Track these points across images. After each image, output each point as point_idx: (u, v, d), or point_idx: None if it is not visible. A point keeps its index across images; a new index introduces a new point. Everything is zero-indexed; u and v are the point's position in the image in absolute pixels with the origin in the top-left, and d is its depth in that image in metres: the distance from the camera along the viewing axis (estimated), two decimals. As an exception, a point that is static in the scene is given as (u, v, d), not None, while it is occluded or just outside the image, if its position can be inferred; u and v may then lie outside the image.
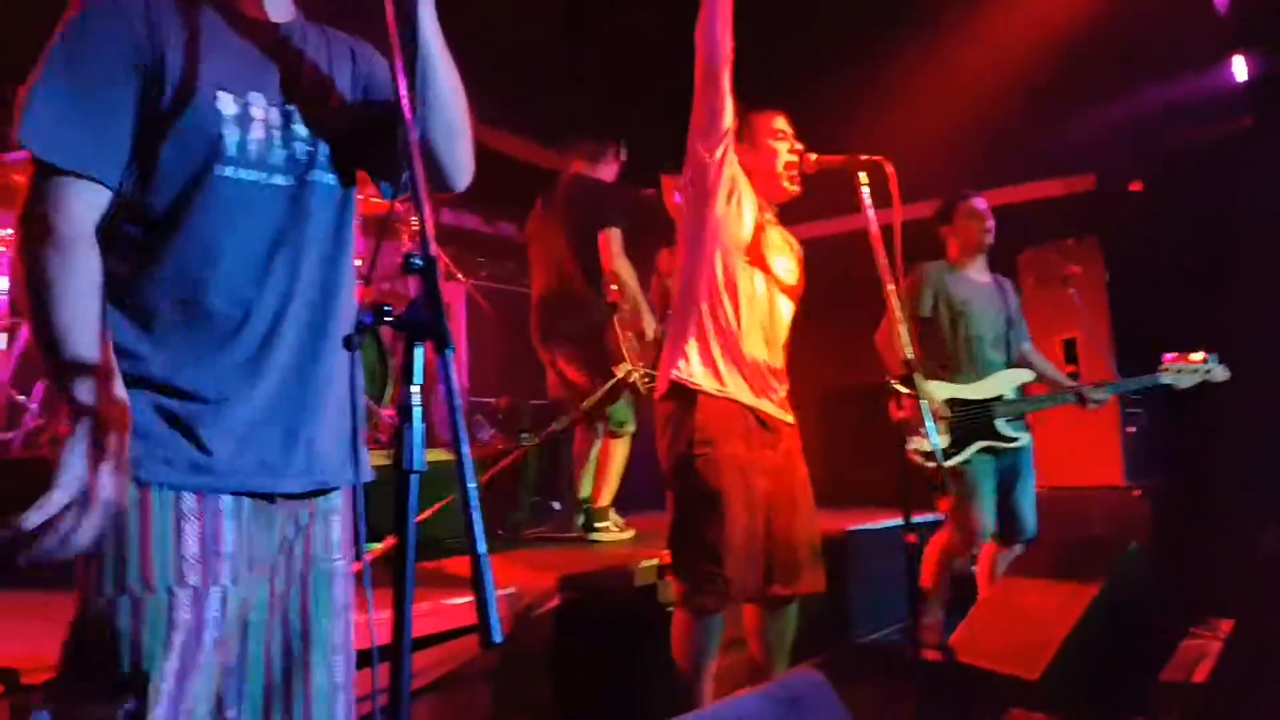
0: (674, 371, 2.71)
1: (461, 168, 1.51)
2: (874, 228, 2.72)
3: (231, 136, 1.30)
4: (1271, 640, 3.70)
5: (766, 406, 2.75)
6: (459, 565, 3.09)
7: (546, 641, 2.79)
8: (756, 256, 2.76)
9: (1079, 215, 5.77)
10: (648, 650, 2.98)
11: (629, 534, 4.16)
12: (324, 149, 1.40)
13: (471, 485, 1.12)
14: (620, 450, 4.21)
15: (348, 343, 1.38)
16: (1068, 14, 4.45)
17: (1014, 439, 3.79)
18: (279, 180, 1.35)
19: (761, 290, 2.76)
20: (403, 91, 1.21)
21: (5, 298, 4.07)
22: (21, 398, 3.99)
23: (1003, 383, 3.86)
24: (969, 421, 3.78)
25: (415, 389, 1.16)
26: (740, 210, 2.77)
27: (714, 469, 2.61)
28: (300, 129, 1.38)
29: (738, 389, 2.69)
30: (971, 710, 3.22)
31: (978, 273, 4.05)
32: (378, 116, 1.47)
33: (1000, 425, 3.80)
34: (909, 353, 2.62)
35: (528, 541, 4.17)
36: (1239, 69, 5.23)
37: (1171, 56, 5.06)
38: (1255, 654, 3.87)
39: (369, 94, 1.49)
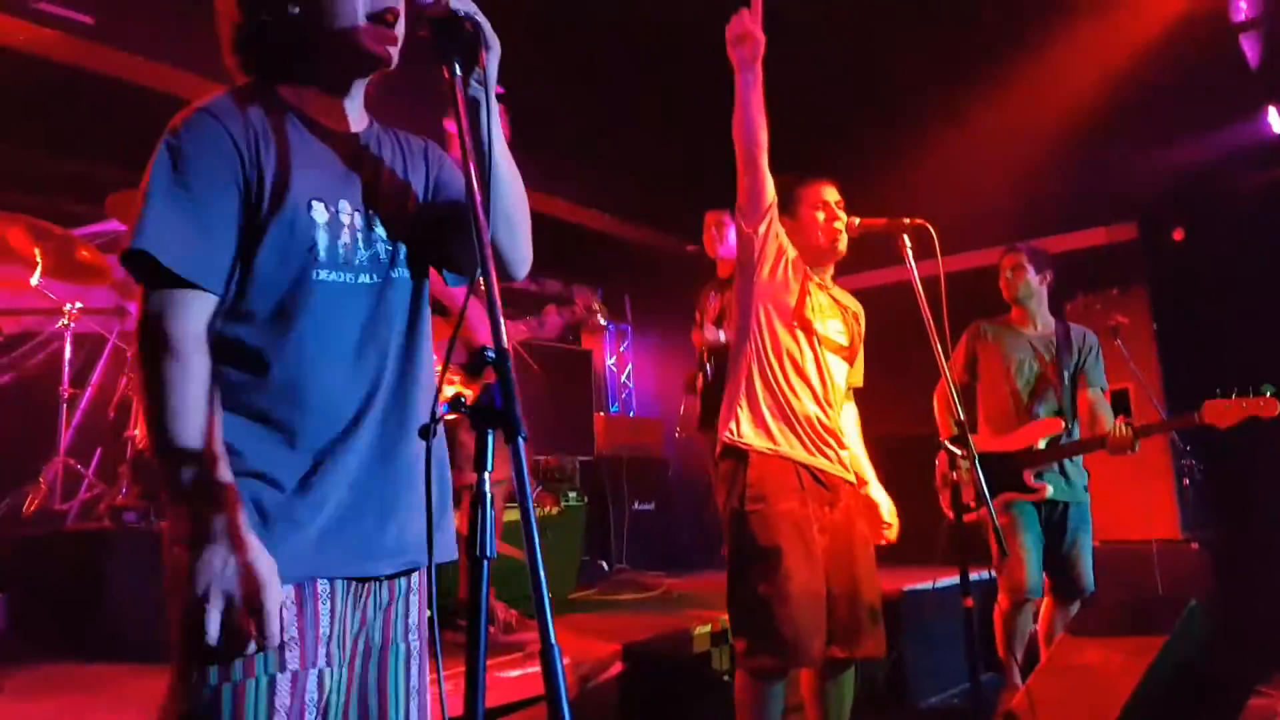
0: (726, 434, 2.76)
1: (522, 259, 1.61)
2: (919, 290, 2.75)
3: (324, 242, 1.38)
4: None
5: (822, 464, 2.76)
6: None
7: (606, 711, 2.78)
8: (803, 321, 2.81)
9: (1124, 264, 5.74)
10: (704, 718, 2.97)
11: None
12: (402, 248, 1.49)
13: (542, 578, 1.15)
14: None
15: (423, 432, 1.44)
16: (1108, 67, 4.49)
17: (1037, 489, 3.74)
18: (365, 279, 1.43)
19: (810, 352, 2.80)
20: (477, 199, 1.27)
21: (68, 368, 4.18)
22: (80, 467, 4.09)
23: (1035, 434, 3.83)
24: (994, 475, 3.65)
25: (487, 476, 1.19)
26: (786, 277, 2.83)
27: (767, 524, 2.62)
28: (381, 230, 1.46)
29: (790, 447, 2.72)
30: None
31: (1025, 323, 4.04)
32: (446, 214, 1.56)
33: (1030, 476, 3.75)
34: (960, 413, 2.62)
35: (577, 605, 4.17)
36: (1274, 120, 5.22)
37: (1210, 107, 5.07)
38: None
39: (438, 192, 1.59)
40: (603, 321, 3.94)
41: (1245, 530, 5.20)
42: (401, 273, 1.48)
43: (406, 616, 1.47)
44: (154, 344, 1.26)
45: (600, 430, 5.47)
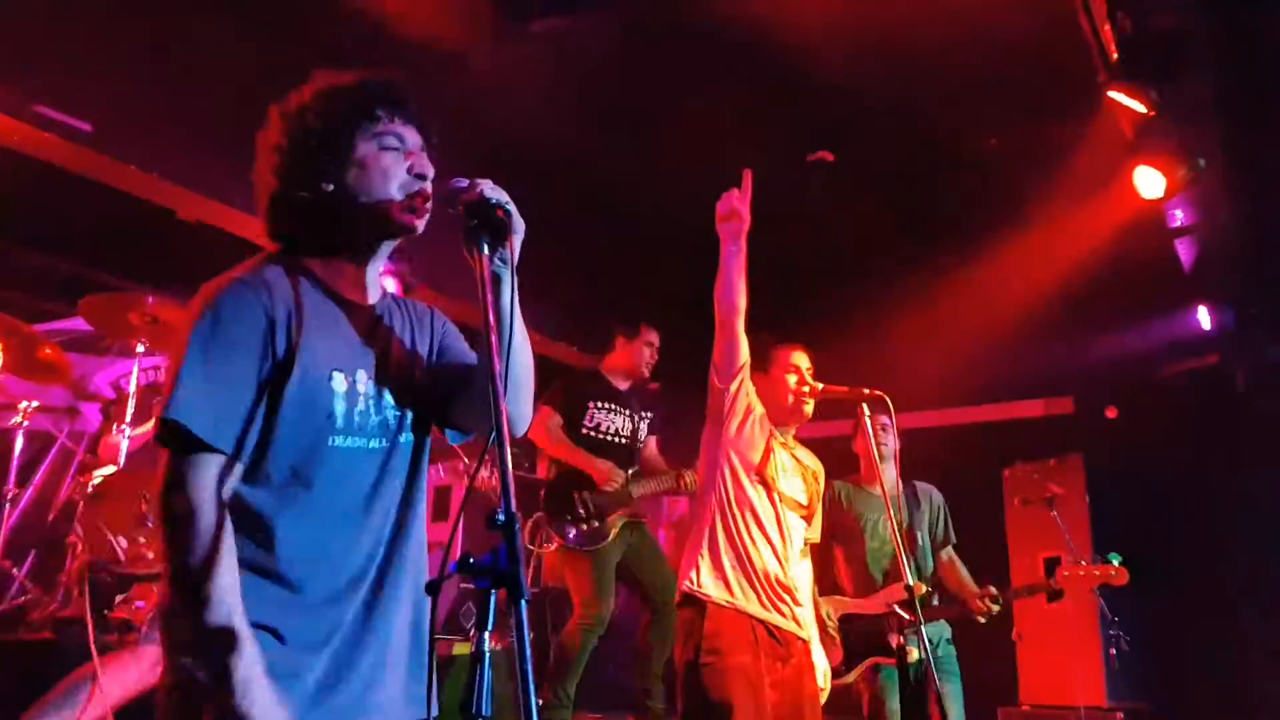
0: (686, 583, 2.83)
1: (525, 417, 1.70)
2: (875, 459, 2.93)
3: (341, 410, 1.48)
4: None
5: (776, 620, 2.84)
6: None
7: None
8: (764, 478, 2.94)
9: (1060, 436, 6.03)
10: None
11: None
12: (409, 413, 1.59)
13: None
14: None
15: (430, 589, 1.51)
16: (1057, 262, 4.91)
17: (904, 652, 3.79)
18: (374, 444, 1.52)
19: (771, 509, 2.92)
20: (497, 369, 1.37)
21: (15, 467, 4.08)
22: (13, 570, 3.95)
23: (895, 596, 3.77)
24: (859, 637, 3.81)
25: (488, 635, 1.26)
26: (753, 433, 2.97)
27: (721, 679, 2.67)
28: (390, 398, 1.56)
29: (747, 601, 2.80)
30: None
31: (874, 482, 3.99)
32: (450, 377, 1.67)
33: (896, 639, 3.79)
34: (909, 577, 2.74)
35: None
36: (1203, 316, 5.67)
37: (1145, 301, 5.50)
38: None
39: (442, 356, 1.70)
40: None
41: (1167, 701, 5.32)
42: (407, 436, 1.58)
43: None
44: (181, 504, 1.34)
45: (548, 563, 5.45)
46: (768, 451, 2.97)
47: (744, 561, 2.83)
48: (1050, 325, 5.45)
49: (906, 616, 3.64)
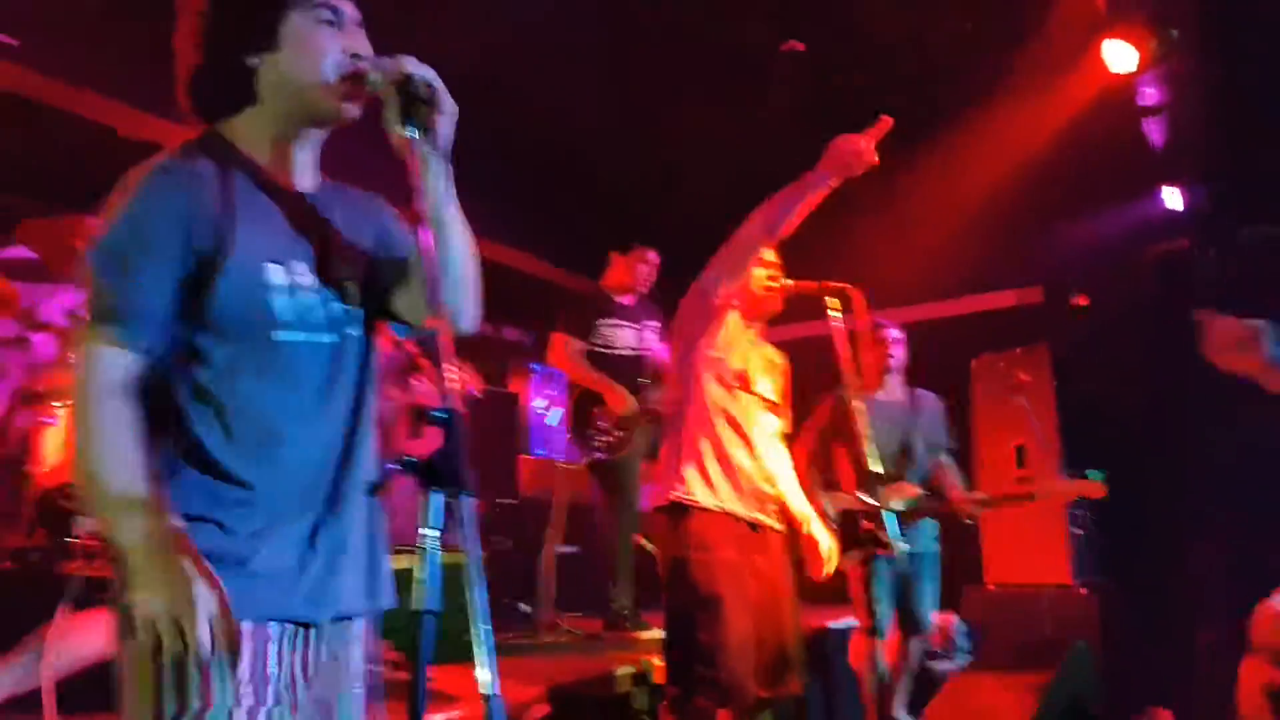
0: (674, 492, 2.85)
1: (471, 316, 1.61)
2: (842, 349, 2.93)
3: (281, 303, 1.42)
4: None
5: (759, 516, 2.91)
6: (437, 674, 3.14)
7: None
8: (743, 382, 2.94)
9: (1029, 326, 6.04)
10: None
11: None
12: (355, 304, 1.52)
13: (487, 628, 1.23)
14: None
15: (373, 489, 1.50)
16: (1023, 145, 4.83)
17: (896, 544, 3.90)
18: (323, 338, 1.47)
19: (749, 411, 2.94)
20: (432, 259, 1.35)
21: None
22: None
23: (892, 495, 4.04)
24: (853, 530, 3.99)
25: (433, 533, 1.26)
26: (731, 341, 2.96)
27: (710, 573, 2.73)
28: (335, 290, 1.49)
29: (733, 503, 2.85)
30: None
31: (885, 393, 4.30)
32: (395, 269, 1.59)
33: (885, 534, 3.90)
34: (871, 466, 2.79)
35: (499, 648, 4.16)
36: (1173, 198, 5.64)
37: (1115, 184, 5.45)
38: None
39: (386, 248, 1.61)
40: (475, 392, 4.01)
41: (1129, 577, 5.49)
42: (356, 330, 1.52)
43: (353, 664, 1.51)
44: (81, 394, 1.34)
45: (526, 473, 5.50)
46: (744, 355, 2.98)
47: (728, 466, 2.87)
48: (1019, 213, 5.39)
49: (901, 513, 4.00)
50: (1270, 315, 5.15)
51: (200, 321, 1.37)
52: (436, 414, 1.31)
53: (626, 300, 4.67)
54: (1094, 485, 4.05)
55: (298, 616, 1.40)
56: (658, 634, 4.18)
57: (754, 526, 2.88)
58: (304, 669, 1.42)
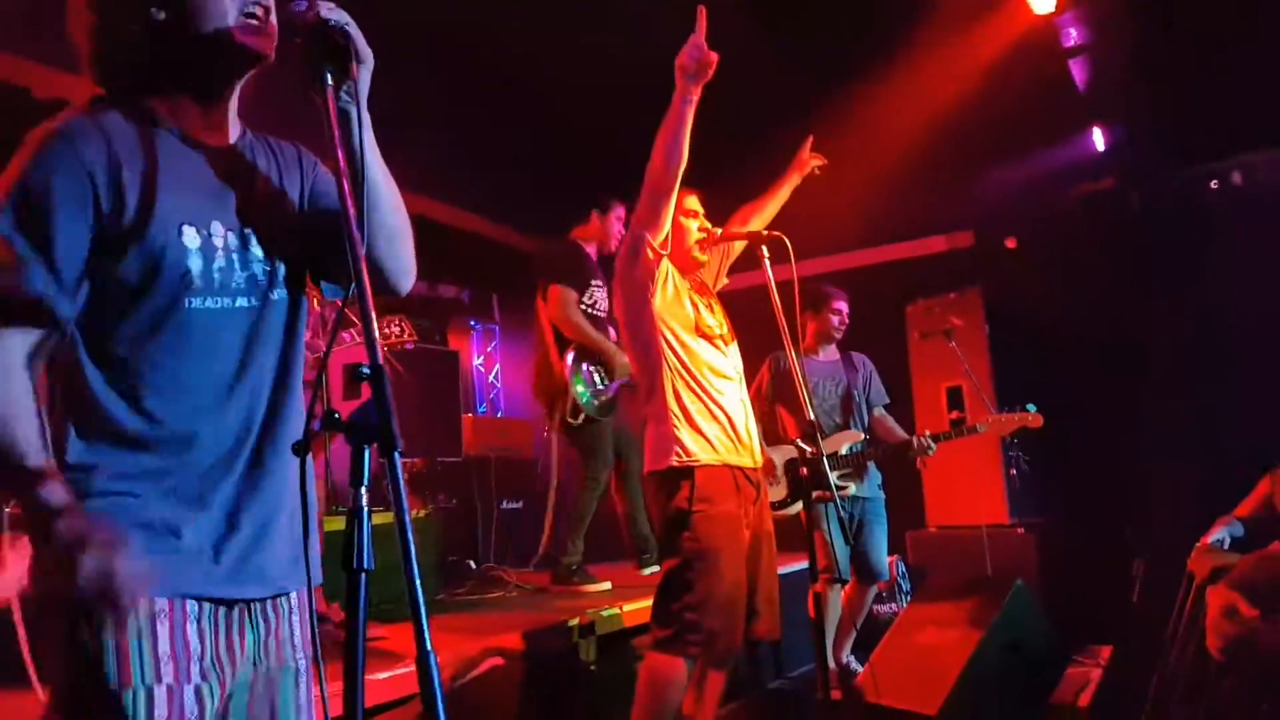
0: (673, 458, 2.85)
1: (404, 271, 1.56)
2: (775, 296, 2.95)
3: (197, 268, 1.34)
4: (1145, 663, 3.98)
5: (747, 461, 2.96)
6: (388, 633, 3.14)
7: (478, 706, 2.84)
8: (701, 330, 2.97)
9: (961, 271, 6.14)
10: (575, 713, 3.06)
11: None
12: (280, 266, 1.45)
13: (418, 585, 1.20)
14: None
15: (297, 449, 1.46)
16: (949, 88, 4.85)
17: (843, 488, 4.29)
18: (242, 303, 1.40)
19: (713, 355, 2.97)
20: (351, 213, 1.28)
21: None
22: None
23: (836, 443, 4.36)
24: (798, 478, 4.19)
25: (364, 492, 1.24)
26: (677, 293, 2.97)
27: (710, 525, 2.77)
28: (257, 250, 1.42)
29: (726, 452, 2.89)
30: None
31: (824, 355, 4.63)
32: (323, 224, 1.51)
33: (832, 478, 4.09)
34: (810, 413, 2.84)
35: (446, 604, 4.19)
36: (1098, 138, 5.74)
37: (1040, 127, 5.52)
38: (1131, 676, 4.15)
39: (314, 201, 1.54)
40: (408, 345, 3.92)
41: (1065, 517, 5.68)
42: (280, 293, 1.45)
43: (293, 638, 1.47)
44: None
45: (468, 432, 5.47)
46: (693, 304, 2.99)
47: (715, 415, 2.89)
48: (947, 158, 5.45)
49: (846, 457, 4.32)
50: (1188, 253, 5.32)
51: (110, 288, 1.31)
52: (362, 369, 1.28)
53: (596, 261, 4.63)
54: (1033, 416, 4.26)
55: (218, 595, 1.36)
56: (606, 587, 4.26)
57: (746, 475, 2.94)
58: (231, 646, 1.38)
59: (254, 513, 1.40)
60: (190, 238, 1.35)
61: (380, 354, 1.31)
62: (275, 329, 1.45)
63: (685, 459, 2.84)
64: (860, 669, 4.30)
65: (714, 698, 3.02)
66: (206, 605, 1.35)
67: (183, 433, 1.35)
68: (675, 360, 2.91)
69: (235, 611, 1.39)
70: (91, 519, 1.23)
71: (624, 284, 2.98)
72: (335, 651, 1.27)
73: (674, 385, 2.90)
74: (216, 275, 1.37)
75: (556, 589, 4.37)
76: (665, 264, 2.96)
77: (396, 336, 2.83)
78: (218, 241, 1.38)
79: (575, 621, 3.37)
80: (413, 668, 1.19)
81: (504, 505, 5.03)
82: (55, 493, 1.24)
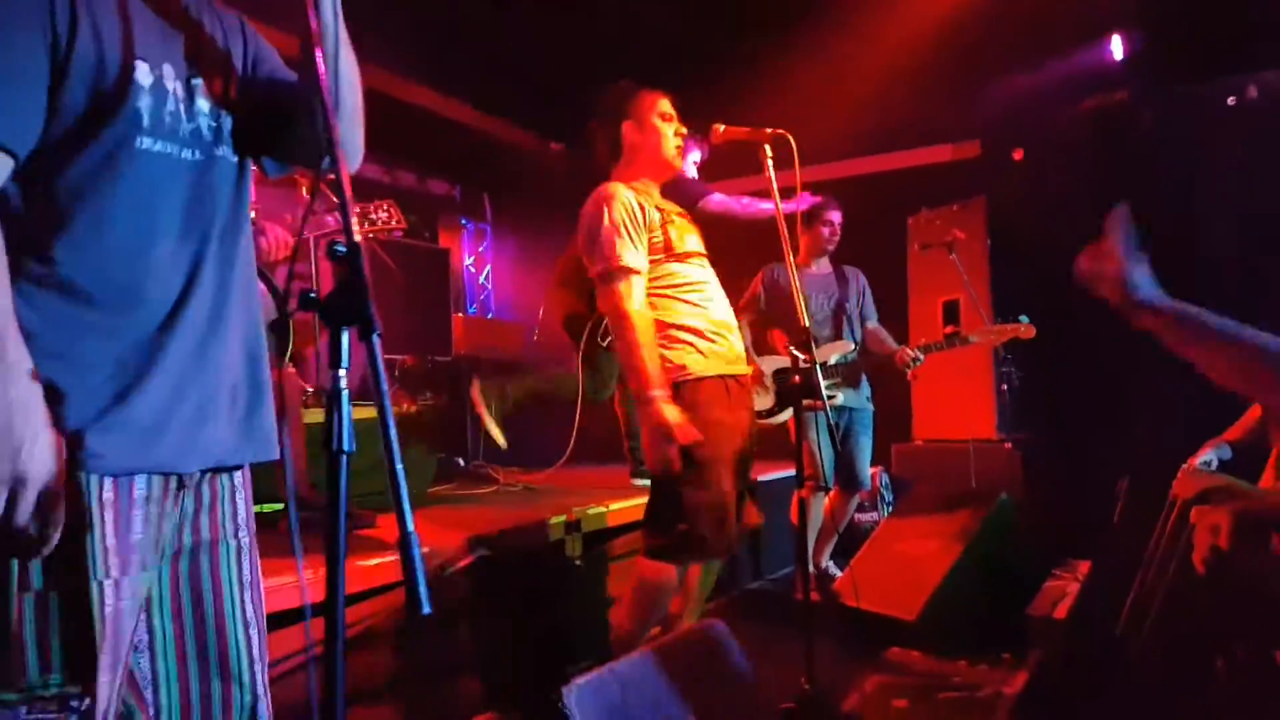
0: (677, 379, 2.79)
1: (356, 152, 1.53)
2: (777, 200, 2.87)
3: (147, 106, 1.28)
4: (1123, 579, 4.04)
5: (738, 369, 2.93)
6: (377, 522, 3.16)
7: (463, 596, 2.86)
8: (677, 254, 2.88)
9: (966, 181, 6.01)
10: (558, 604, 3.09)
11: None
12: (226, 124, 1.40)
13: (399, 468, 1.17)
14: None
15: (272, 326, 1.41)
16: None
17: (832, 397, 4.29)
18: (187, 155, 1.34)
19: (694, 273, 2.91)
20: (324, 82, 1.21)
21: None
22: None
23: (826, 353, 4.38)
24: (788, 385, 4.07)
25: (343, 373, 1.20)
26: (650, 222, 2.85)
27: (701, 431, 2.72)
28: (203, 103, 1.37)
29: (720, 363, 2.85)
30: (853, 649, 3.42)
31: (816, 268, 4.59)
32: (265, 95, 1.46)
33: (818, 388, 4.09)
34: (805, 320, 2.80)
35: (436, 500, 4.22)
36: (1115, 46, 5.55)
37: (1055, 33, 5.33)
38: (1109, 591, 4.21)
39: (256, 69, 1.49)
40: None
41: (1054, 433, 5.69)
42: (225, 152, 1.40)
43: (235, 515, 1.43)
44: None
45: (458, 331, 5.42)
46: (664, 226, 2.89)
47: (703, 332, 2.85)
48: (955, 65, 5.28)
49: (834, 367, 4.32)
50: (1197, 171, 5.19)
51: (54, 127, 1.22)
52: (338, 247, 1.23)
53: None
54: (1024, 327, 4.28)
55: (164, 467, 1.30)
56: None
57: (738, 381, 2.92)
58: (177, 525, 1.35)
59: (201, 382, 1.35)
60: (143, 74, 1.27)
61: (365, 240, 1.26)
62: (221, 188, 1.39)
63: (688, 376, 2.80)
64: (839, 574, 4.38)
65: (700, 597, 3.08)
66: (155, 479, 1.30)
67: (129, 286, 1.27)
68: (659, 289, 2.85)
69: (180, 484, 1.35)
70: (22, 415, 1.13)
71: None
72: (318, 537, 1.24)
73: (664, 313, 2.85)
74: (167, 119, 1.30)
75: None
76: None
77: (384, 222, 2.73)
78: (169, 85, 1.31)
79: (562, 518, 3.39)
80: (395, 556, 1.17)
81: (493, 406, 5.00)
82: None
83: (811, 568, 4.28)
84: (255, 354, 1.46)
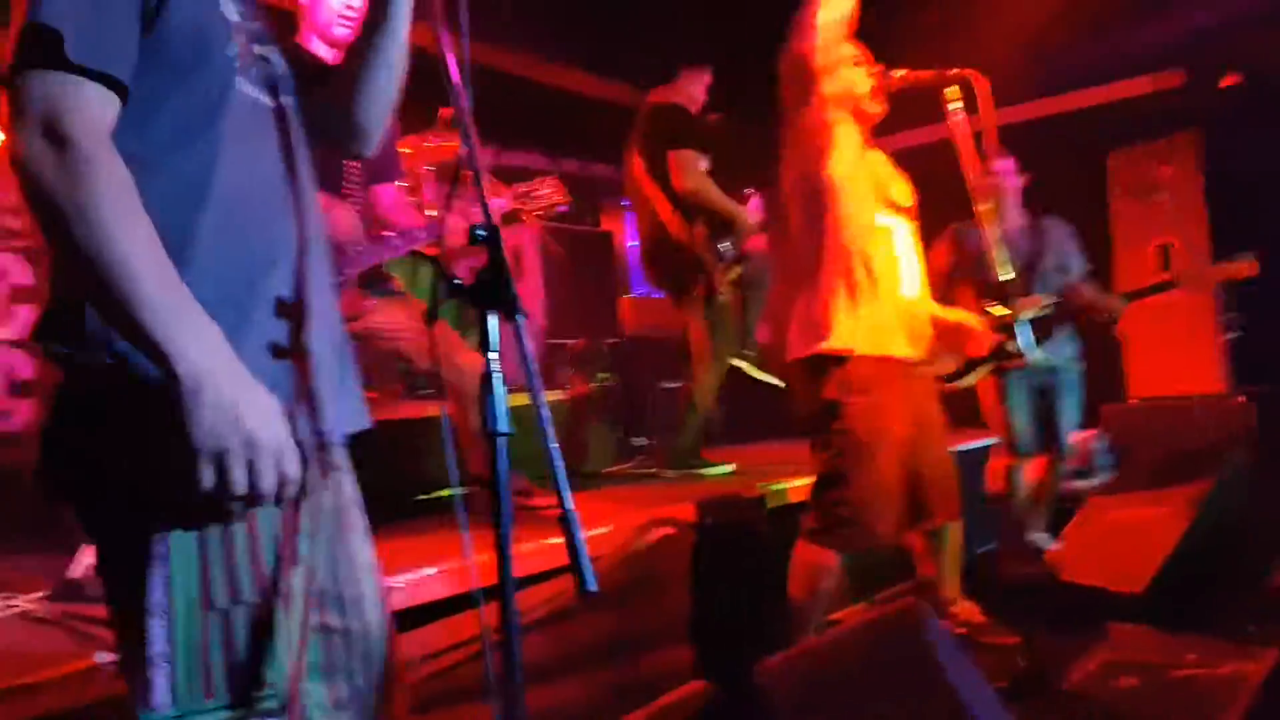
0: (822, 343, 2.66)
1: (375, 139, 1.50)
2: (967, 146, 2.66)
3: (238, 49, 1.16)
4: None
5: (911, 351, 2.75)
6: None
7: (645, 575, 2.85)
8: (887, 199, 2.72)
9: (1170, 114, 5.46)
10: (743, 581, 3.06)
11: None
12: (290, 74, 1.31)
13: (554, 446, 1.17)
14: None
15: (430, 316, 1.39)
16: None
17: (1028, 354, 3.85)
18: (265, 100, 1.22)
19: (895, 230, 2.74)
20: (454, 76, 1.21)
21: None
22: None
23: (1020, 309, 3.87)
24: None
25: (494, 356, 1.19)
26: (857, 157, 2.70)
27: (862, 419, 2.61)
28: (270, 48, 1.27)
29: (892, 345, 2.68)
30: (1070, 626, 3.20)
31: (1006, 223, 4.16)
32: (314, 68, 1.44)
33: (1010, 347, 3.76)
34: (998, 272, 2.60)
35: (614, 479, 4.24)
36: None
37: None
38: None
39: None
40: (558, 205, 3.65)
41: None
42: (291, 101, 1.29)
43: (349, 488, 1.34)
44: (71, 153, 0.98)
45: (625, 313, 5.46)
46: (870, 170, 2.73)
47: (881, 299, 2.66)
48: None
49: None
50: None
51: (158, 66, 1.08)
52: (478, 231, 1.21)
53: None
54: (1244, 264, 3.78)
55: (327, 428, 1.21)
56: (725, 470, 4.12)
57: (910, 365, 2.75)
58: (322, 485, 1.25)
59: (331, 348, 1.26)
60: (229, 9, 1.17)
61: (533, 223, 1.25)
62: (297, 135, 1.28)
63: (835, 346, 2.64)
64: (1049, 547, 4.12)
65: (952, 560, 3.06)
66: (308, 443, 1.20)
67: (254, 246, 1.16)
68: (842, 238, 2.65)
69: (322, 449, 1.25)
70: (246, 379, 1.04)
71: (793, 151, 2.73)
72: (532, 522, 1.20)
73: (835, 265, 2.66)
74: (248, 61, 1.19)
75: (671, 473, 4.14)
76: (841, 116, 2.66)
77: (547, 199, 2.71)
78: (249, 25, 1.22)
79: (746, 495, 3.34)
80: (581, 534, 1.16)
81: (663, 385, 4.99)
82: (202, 348, 1.00)
83: (1020, 541, 4.13)
84: (339, 322, 1.36)
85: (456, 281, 1.24)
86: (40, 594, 2.20)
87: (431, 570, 2.20)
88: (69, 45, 0.99)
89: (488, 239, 1.21)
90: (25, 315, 3.89)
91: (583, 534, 1.14)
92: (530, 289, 5.27)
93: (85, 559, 2.16)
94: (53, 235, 0.99)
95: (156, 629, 1.04)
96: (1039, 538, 4.29)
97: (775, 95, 2.75)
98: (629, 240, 7.27)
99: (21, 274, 3.88)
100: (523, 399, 4.14)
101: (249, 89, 1.18)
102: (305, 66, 1.39)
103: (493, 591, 1.14)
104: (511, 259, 5.28)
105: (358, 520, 1.34)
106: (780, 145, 2.78)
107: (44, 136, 0.97)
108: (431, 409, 3.36)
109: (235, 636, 1.08)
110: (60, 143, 0.97)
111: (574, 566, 1.11)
